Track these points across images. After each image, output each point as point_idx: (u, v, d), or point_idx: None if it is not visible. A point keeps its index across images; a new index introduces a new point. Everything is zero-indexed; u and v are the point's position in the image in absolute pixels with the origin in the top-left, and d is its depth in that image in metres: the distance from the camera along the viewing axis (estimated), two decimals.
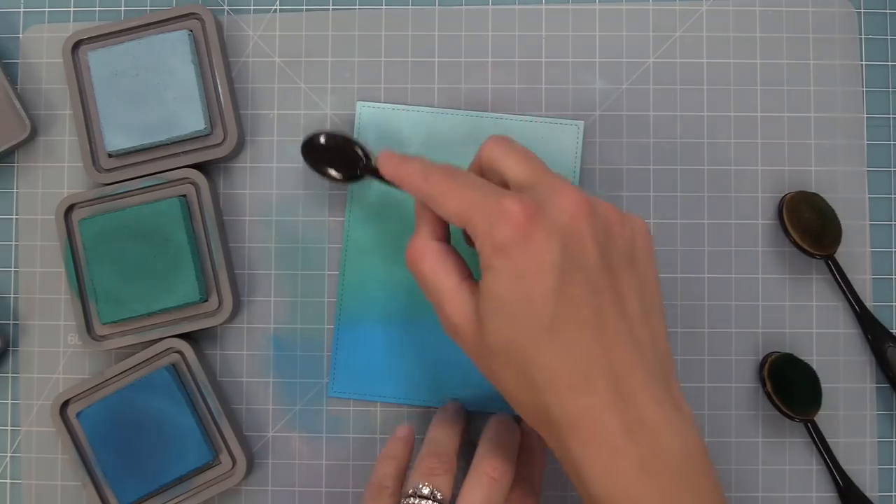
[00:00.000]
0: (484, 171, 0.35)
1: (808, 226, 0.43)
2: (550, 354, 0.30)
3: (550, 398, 0.30)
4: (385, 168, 0.37)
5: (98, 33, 0.44)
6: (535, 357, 0.31)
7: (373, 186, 0.44)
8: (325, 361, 0.44)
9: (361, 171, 0.41)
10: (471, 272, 0.35)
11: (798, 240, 0.43)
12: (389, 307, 0.44)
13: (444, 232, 0.36)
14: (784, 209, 0.43)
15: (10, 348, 0.45)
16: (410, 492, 0.35)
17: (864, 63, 0.45)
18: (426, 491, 0.35)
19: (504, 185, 0.34)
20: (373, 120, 0.44)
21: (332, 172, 0.42)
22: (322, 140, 0.42)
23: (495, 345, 0.32)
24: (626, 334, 0.31)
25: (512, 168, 0.33)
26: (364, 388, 0.44)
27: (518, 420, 0.40)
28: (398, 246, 0.44)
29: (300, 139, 0.45)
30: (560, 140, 0.44)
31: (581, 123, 0.44)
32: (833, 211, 0.44)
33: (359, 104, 0.44)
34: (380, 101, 0.45)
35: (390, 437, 0.41)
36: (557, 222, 0.31)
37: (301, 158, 0.43)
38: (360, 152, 0.41)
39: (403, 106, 0.44)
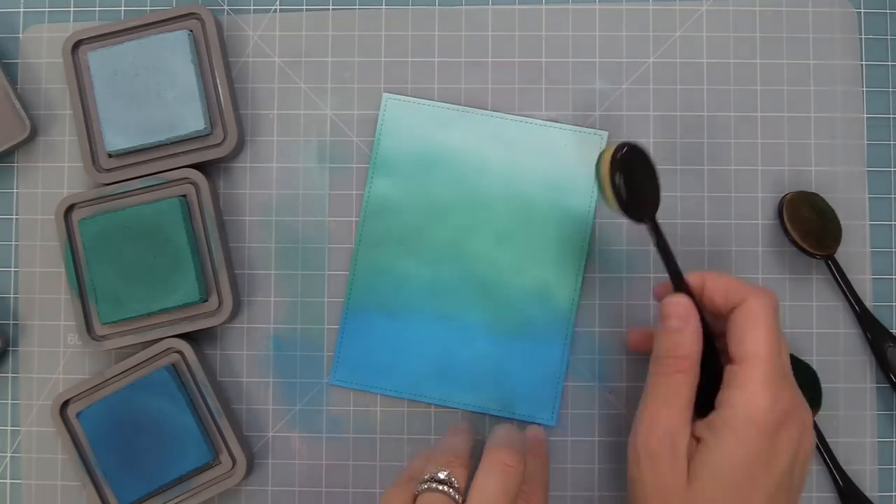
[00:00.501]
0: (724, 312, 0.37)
1: (808, 226, 0.43)
2: None
3: None
4: (676, 314, 0.37)
5: (98, 33, 0.44)
6: None
7: (384, 182, 0.44)
8: (325, 361, 0.44)
9: (650, 224, 0.38)
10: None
11: (798, 240, 0.43)
12: (397, 301, 0.44)
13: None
14: (784, 209, 0.43)
15: (10, 348, 0.45)
16: (428, 476, 0.35)
17: (864, 63, 0.45)
18: (443, 476, 0.35)
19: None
20: (397, 113, 0.44)
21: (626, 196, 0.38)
22: (632, 153, 0.38)
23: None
24: None
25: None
26: (366, 380, 0.44)
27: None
28: (410, 240, 0.44)
29: (300, 137, 0.45)
30: (581, 149, 0.44)
31: (605, 134, 0.44)
32: (833, 211, 0.44)
33: (385, 96, 0.44)
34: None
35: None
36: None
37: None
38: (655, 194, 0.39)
39: (429, 102, 0.44)
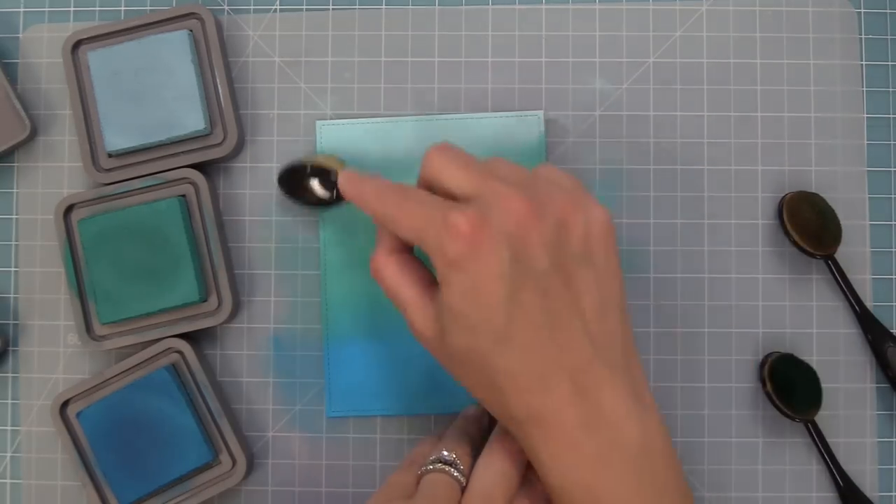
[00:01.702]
0: (429, 185, 0.35)
1: (808, 226, 0.43)
2: (507, 359, 0.32)
3: (511, 399, 0.32)
4: (345, 189, 0.38)
5: (98, 33, 0.44)
6: (494, 362, 0.32)
7: (343, 208, 0.44)
8: (324, 361, 0.44)
9: (337, 195, 0.41)
10: (433, 278, 0.36)
11: (798, 240, 0.43)
12: (375, 322, 0.44)
13: (404, 243, 0.37)
14: (784, 209, 0.43)
15: (10, 348, 0.45)
16: (434, 457, 0.35)
17: (864, 63, 0.45)
18: (448, 456, 0.35)
19: (451, 196, 0.34)
20: (334, 137, 0.44)
21: (313, 195, 0.42)
22: (296, 167, 0.42)
23: (456, 352, 0.33)
24: (581, 331, 0.32)
25: (453, 178, 0.34)
26: (362, 405, 0.44)
27: None
28: None
29: (300, 137, 0.45)
30: (522, 134, 0.44)
31: (540, 113, 0.44)
32: (833, 211, 0.44)
33: (318, 124, 0.44)
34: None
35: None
36: (503, 231, 0.31)
37: (277, 188, 0.43)
38: (333, 175, 0.41)
39: (362, 120, 0.44)
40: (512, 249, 0.31)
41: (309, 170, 0.42)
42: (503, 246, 0.31)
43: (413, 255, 0.37)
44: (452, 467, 0.35)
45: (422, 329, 0.35)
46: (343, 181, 0.38)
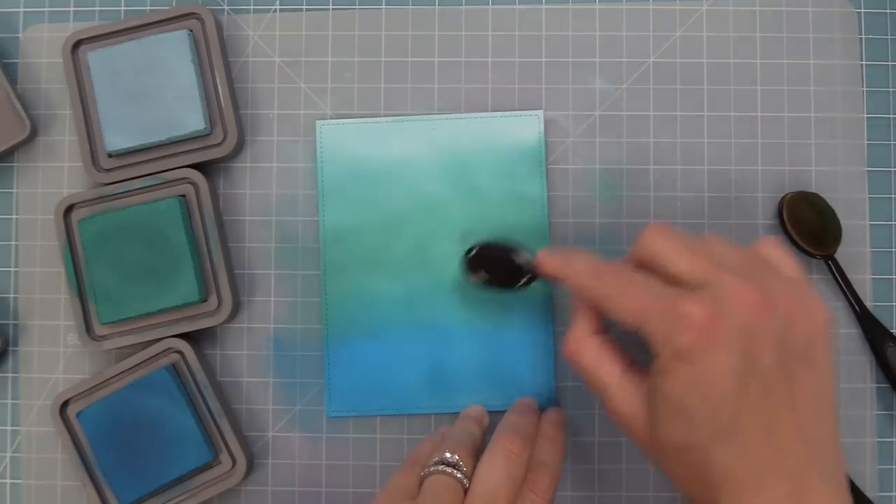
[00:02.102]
0: (645, 264, 0.34)
1: (808, 226, 0.43)
2: (726, 456, 0.31)
3: (723, 496, 0.31)
4: (547, 268, 0.37)
5: (98, 33, 0.44)
6: (712, 458, 0.31)
7: (336, 208, 0.44)
8: (324, 362, 0.44)
9: (528, 279, 0.40)
10: (631, 359, 0.35)
11: (798, 240, 0.43)
12: (374, 321, 0.44)
13: (601, 324, 0.36)
14: (784, 209, 0.43)
15: (10, 348, 0.45)
16: (436, 459, 0.35)
17: (864, 63, 0.45)
18: (451, 458, 0.35)
19: (674, 280, 0.32)
20: (333, 138, 0.44)
21: (499, 283, 0.41)
22: (482, 251, 0.41)
23: (669, 443, 0.32)
24: (798, 433, 0.31)
25: (678, 263, 0.32)
26: (362, 405, 0.44)
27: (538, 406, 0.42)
28: (374, 259, 0.44)
29: (300, 137, 0.45)
30: (521, 134, 0.44)
31: (540, 113, 0.44)
32: (833, 211, 0.44)
33: (318, 123, 0.44)
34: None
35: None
36: (737, 324, 0.30)
37: (465, 264, 0.42)
38: (521, 259, 0.40)
39: (362, 120, 0.44)
40: (744, 344, 0.30)
41: (496, 251, 0.41)
42: (736, 340, 0.30)
43: (611, 337, 0.36)
44: (455, 469, 0.35)
45: (625, 413, 0.33)
46: (544, 261, 0.37)
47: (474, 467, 0.35)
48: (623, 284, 0.33)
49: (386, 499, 0.35)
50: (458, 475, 0.35)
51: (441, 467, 0.35)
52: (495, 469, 0.35)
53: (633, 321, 0.32)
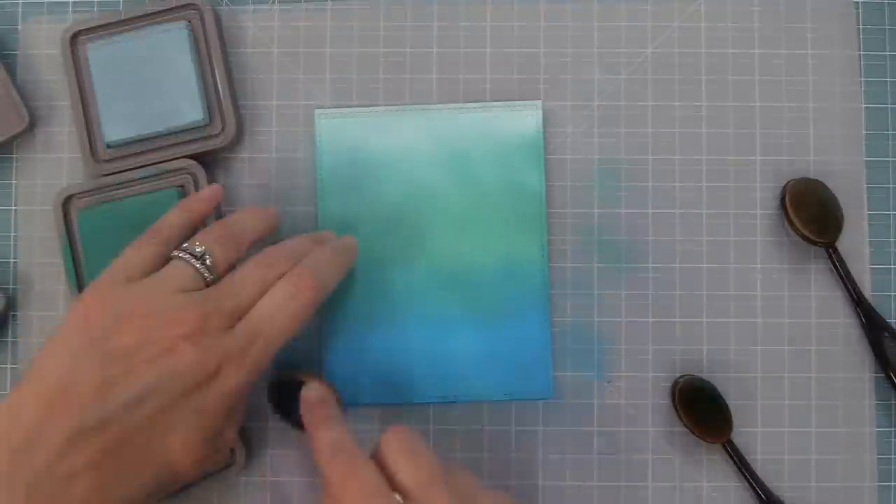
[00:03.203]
0: (379, 464, 0.33)
1: (811, 212, 0.43)
2: None
3: None
4: (305, 419, 0.37)
5: (97, 25, 0.44)
6: None
7: (334, 199, 0.44)
8: (322, 353, 0.44)
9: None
10: None
11: (800, 226, 0.43)
12: (373, 312, 0.44)
13: None
14: (786, 195, 0.43)
15: (12, 313, 0.45)
16: (183, 246, 0.34)
17: (862, 53, 0.45)
18: (198, 250, 0.33)
19: (396, 486, 0.32)
20: (331, 129, 0.44)
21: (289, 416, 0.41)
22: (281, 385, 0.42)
23: None
24: None
25: (403, 473, 0.32)
26: (361, 395, 0.44)
27: None
28: (373, 249, 0.44)
29: (299, 128, 0.45)
30: (519, 124, 0.44)
31: (538, 103, 0.44)
32: (835, 198, 0.44)
33: (316, 112, 0.45)
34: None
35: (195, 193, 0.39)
36: None
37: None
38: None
39: (360, 110, 0.45)
40: None
41: (285, 386, 0.41)
42: None
43: None
44: (199, 261, 0.33)
45: None
46: (305, 409, 0.37)
47: (230, 264, 0.34)
48: (350, 478, 0.32)
49: (106, 275, 0.34)
50: (201, 268, 0.33)
51: (185, 255, 0.34)
52: (247, 268, 0.34)
53: None
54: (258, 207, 0.39)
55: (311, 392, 0.38)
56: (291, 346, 0.44)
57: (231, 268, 0.36)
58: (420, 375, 0.44)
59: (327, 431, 0.35)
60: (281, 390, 0.42)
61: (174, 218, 0.37)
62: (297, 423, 0.39)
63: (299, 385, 0.39)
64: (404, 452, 0.33)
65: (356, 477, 0.32)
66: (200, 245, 0.34)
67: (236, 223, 0.37)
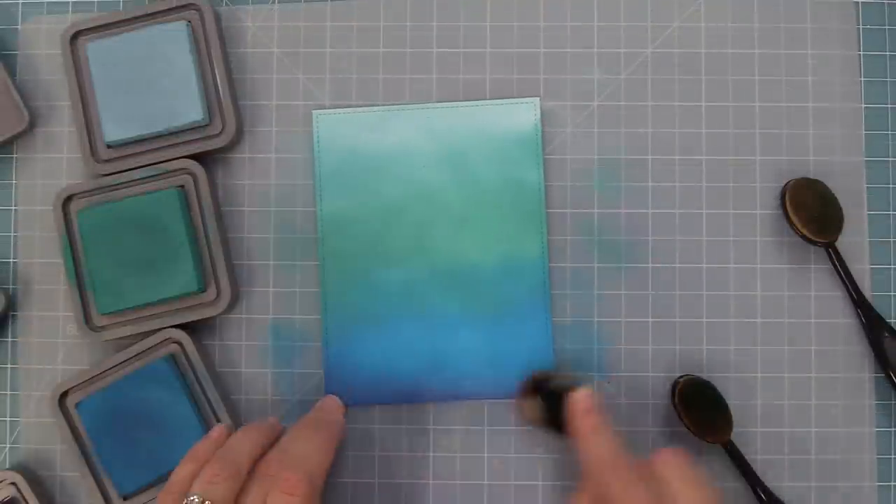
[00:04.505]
0: (655, 478, 0.35)
1: (811, 212, 0.43)
2: None
3: None
4: (577, 426, 0.38)
5: (97, 24, 0.44)
6: None
7: (334, 198, 0.44)
8: (323, 352, 0.44)
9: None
10: None
11: (800, 226, 0.43)
12: (373, 310, 0.44)
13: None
14: (787, 195, 0.43)
15: (12, 313, 0.45)
16: (185, 501, 0.34)
17: (862, 53, 0.45)
18: (196, 500, 0.34)
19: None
20: (330, 127, 0.44)
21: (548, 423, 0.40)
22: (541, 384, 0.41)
23: None
24: None
25: (686, 498, 0.34)
26: (361, 395, 0.44)
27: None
28: (373, 247, 0.44)
29: (299, 128, 0.45)
30: (518, 121, 0.44)
31: (536, 100, 0.44)
32: (835, 197, 0.44)
33: (315, 113, 0.44)
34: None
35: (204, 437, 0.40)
36: None
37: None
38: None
39: (357, 108, 0.44)
40: None
41: (543, 386, 0.41)
42: None
43: None
44: None
45: None
46: (576, 417, 0.38)
47: (232, 495, 0.34)
48: (627, 491, 0.34)
49: None
50: None
51: None
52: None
53: None
54: (256, 424, 0.39)
55: (585, 399, 0.38)
56: (293, 345, 0.44)
57: (236, 494, 0.35)
58: (421, 375, 0.44)
59: (604, 439, 0.37)
60: (539, 392, 0.41)
61: (184, 472, 0.37)
62: (555, 427, 0.40)
63: (554, 390, 0.39)
64: (689, 480, 0.34)
65: (639, 491, 0.34)
66: (200, 496, 0.34)
67: (232, 451, 0.37)
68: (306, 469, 0.36)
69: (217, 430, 0.39)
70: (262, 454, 0.37)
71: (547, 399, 0.40)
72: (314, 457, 0.37)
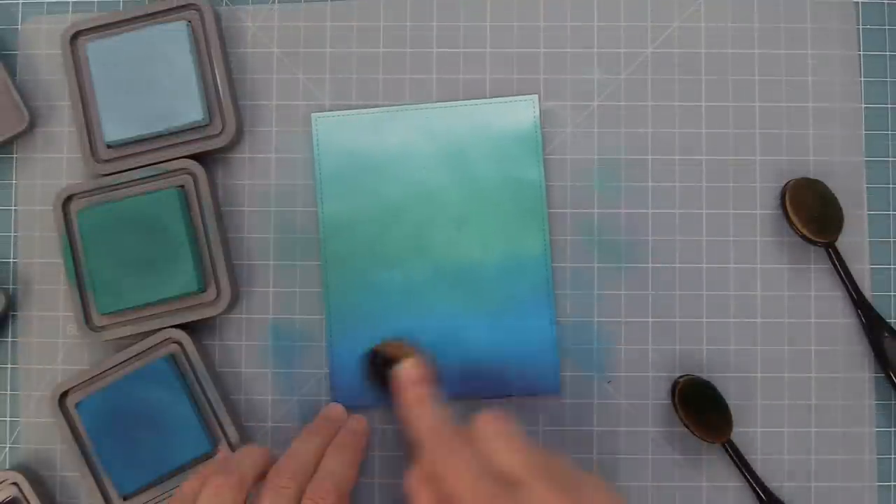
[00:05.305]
0: (477, 445, 0.34)
1: (811, 212, 0.43)
2: None
3: None
4: (402, 397, 0.38)
5: (97, 24, 0.44)
6: None
7: (334, 200, 0.44)
8: (323, 351, 0.44)
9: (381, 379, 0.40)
10: None
11: (800, 226, 0.43)
12: (376, 312, 0.44)
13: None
14: (787, 195, 0.43)
15: (12, 313, 0.45)
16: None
17: (861, 53, 0.45)
18: None
19: (498, 470, 0.33)
20: (329, 130, 0.44)
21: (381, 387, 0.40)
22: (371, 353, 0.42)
23: None
24: None
25: (501, 455, 0.33)
26: (366, 396, 0.44)
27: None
28: (374, 249, 0.44)
29: (299, 128, 0.45)
30: (517, 119, 0.44)
31: (535, 98, 0.44)
32: (835, 198, 0.43)
33: (314, 116, 0.45)
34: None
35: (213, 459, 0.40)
36: None
37: None
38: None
39: (356, 110, 0.44)
40: None
41: (379, 358, 0.41)
42: None
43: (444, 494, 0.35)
44: None
45: None
46: (401, 387, 0.38)
47: (244, 497, 0.35)
48: (452, 457, 0.33)
49: None
50: None
51: None
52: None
53: (453, 496, 0.33)
54: (251, 448, 0.39)
55: (409, 370, 0.38)
56: (293, 345, 0.44)
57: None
58: None
59: (428, 409, 0.36)
60: (376, 362, 0.41)
61: (192, 486, 0.37)
62: (389, 396, 0.39)
63: (391, 360, 0.39)
64: (502, 436, 0.34)
65: (459, 456, 0.33)
66: None
67: (236, 463, 0.37)
68: (335, 481, 0.36)
69: (226, 450, 0.41)
70: (265, 471, 0.37)
71: (382, 371, 0.40)
72: (346, 476, 0.37)
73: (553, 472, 0.33)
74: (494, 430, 0.34)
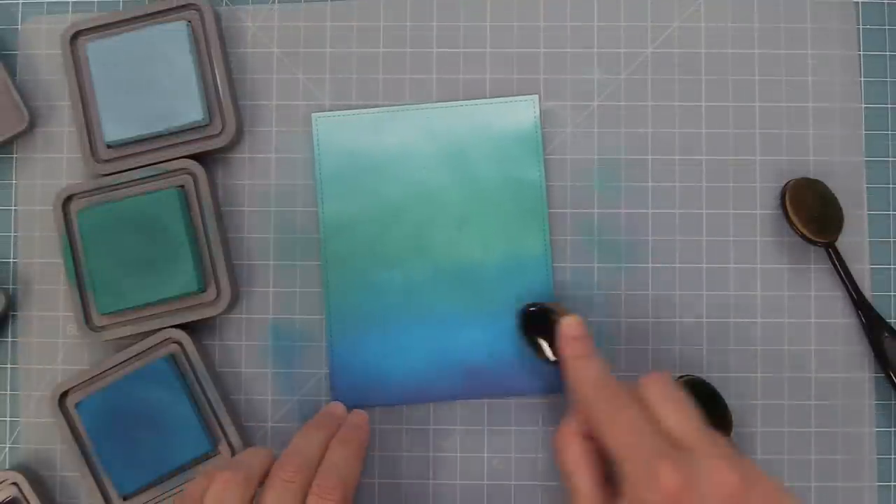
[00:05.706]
0: (643, 406, 0.34)
1: (811, 212, 0.43)
2: None
3: None
4: (566, 351, 0.38)
5: (97, 24, 0.44)
6: None
7: (335, 200, 0.44)
8: (323, 351, 0.44)
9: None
10: (607, 473, 0.35)
11: (800, 226, 0.43)
12: (376, 312, 0.44)
13: (591, 429, 0.36)
14: (787, 195, 0.43)
15: (12, 313, 0.45)
16: None
17: (862, 53, 0.45)
18: None
19: (664, 431, 0.33)
20: (329, 130, 0.44)
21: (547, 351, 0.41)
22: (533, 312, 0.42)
23: None
24: None
25: (670, 418, 0.33)
26: (367, 396, 0.44)
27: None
28: (374, 249, 0.44)
29: (299, 128, 0.45)
30: (517, 119, 0.44)
31: (535, 97, 0.44)
32: (835, 198, 0.44)
33: (314, 116, 0.45)
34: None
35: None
36: (708, 501, 0.30)
37: None
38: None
39: (357, 110, 0.44)
40: None
41: (535, 317, 0.42)
42: None
43: (598, 445, 0.35)
44: None
45: None
46: (566, 339, 0.38)
47: (250, 501, 0.35)
48: (617, 413, 0.34)
49: None
50: None
51: None
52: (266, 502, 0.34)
53: (614, 451, 0.33)
54: (255, 448, 0.39)
55: (573, 325, 0.39)
56: (293, 345, 0.44)
57: (248, 501, 0.36)
58: (423, 376, 0.44)
59: (593, 364, 0.37)
60: (532, 319, 0.42)
61: (199, 485, 0.36)
62: (543, 354, 0.41)
63: (548, 316, 0.40)
64: (671, 400, 0.34)
65: (626, 413, 0.34)
66: (214, 500, 0.35)
67: (242, 462, 0.37)
68: (341, 475, 0.36)
69: (226, 452, 0.41)
70: (269, 471, 0.37)
71: (540, 330, 0.41)
72: (345, 467, 0.37)
73: (721, 447, 0.32)
74: (662, 393, 0.34)
